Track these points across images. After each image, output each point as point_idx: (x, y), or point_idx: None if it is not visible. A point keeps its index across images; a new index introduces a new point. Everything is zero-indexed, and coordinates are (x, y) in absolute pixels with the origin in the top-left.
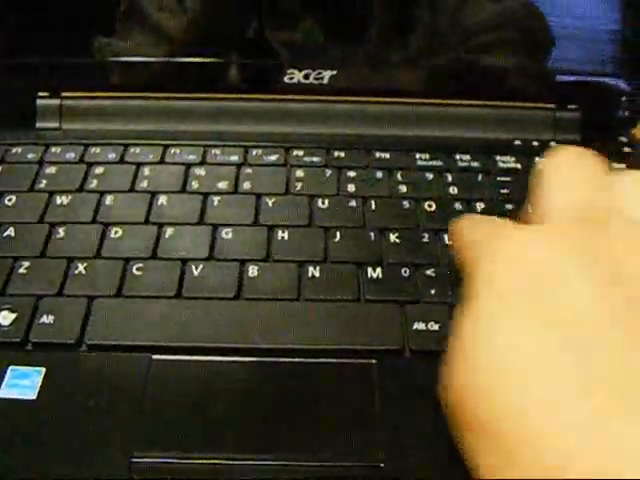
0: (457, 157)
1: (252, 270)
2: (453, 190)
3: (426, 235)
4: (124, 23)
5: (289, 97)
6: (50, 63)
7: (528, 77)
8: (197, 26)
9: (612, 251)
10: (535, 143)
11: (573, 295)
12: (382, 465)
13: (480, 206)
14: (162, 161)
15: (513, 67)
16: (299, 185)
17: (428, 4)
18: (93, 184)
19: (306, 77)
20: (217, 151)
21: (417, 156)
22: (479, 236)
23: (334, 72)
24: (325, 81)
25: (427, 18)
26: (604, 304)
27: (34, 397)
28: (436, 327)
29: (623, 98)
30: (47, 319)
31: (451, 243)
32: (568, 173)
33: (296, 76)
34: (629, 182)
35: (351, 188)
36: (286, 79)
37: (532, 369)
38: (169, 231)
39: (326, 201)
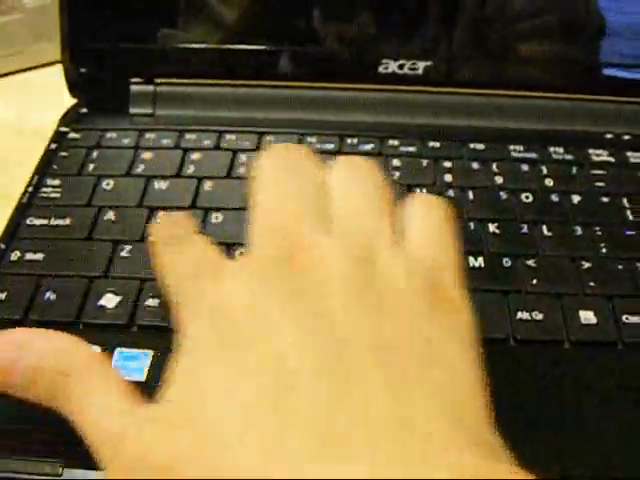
0: (551, 149)
1: None
2: (548, 182)
3: (525, 226)
4: (208, 15)
5: (384, 87)
6: (143, 49)
7: (621, 71)
8: (289, 16)
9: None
10: (626, 137)
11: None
12: None
13: (576, 199)
14: (258, 148)
15: (605, 61)
16: (396, 174)
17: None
18: (190, 170)
19: (401, 67)
20: (313, 139)
21: (512, 148)
22: (182, 266)
23: (429, 63)
24: (420, 72)
25: (526, 13)
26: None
27: (143, 379)
28: (540, 316)
29: None
30: (152, 302)
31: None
32: (274, 179)
33: (391, 66)
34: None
35: (448, 178)
36: (381, 69)
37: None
38: None
39: (424, 190)
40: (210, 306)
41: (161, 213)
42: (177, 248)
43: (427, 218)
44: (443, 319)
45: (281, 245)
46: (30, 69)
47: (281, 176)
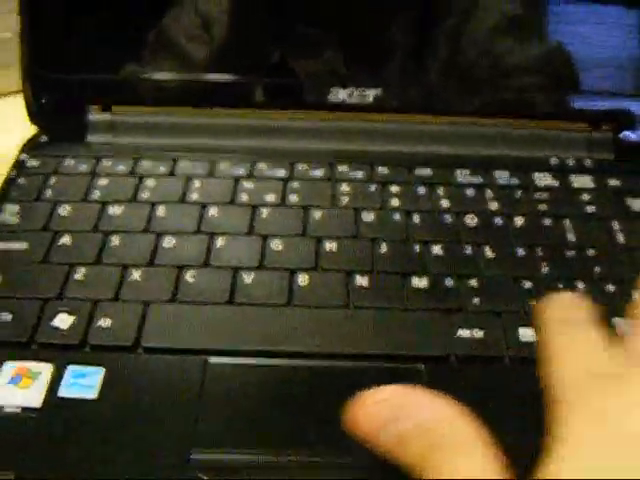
0: (496, 174)
1: (302, 279)
2: (493, 205)
3: (469, 248)
4: (164, 45)
5: (334, 115)
6: (101, 79)
7: (564, 98)
8: (241, 47)
9: None
10: (571, 162)
11: None
12: None
13: (519, 221)
14: (211, 174)
15: (549, 88)
16: (345, 199)
17: (467, 27)
18: (145, 195)
19: (350, 95)
20: (264, 165)
21: (458, 172)
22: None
23: (378, 91)
24: (369, 100)
25: (466, 40)
26: None
27: (94, 396)
28: (480, 334)
29: None
30: (104, 322)
31: (537, 326)
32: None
33: (340, 94)
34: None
35: (395, 202)
36: (330, 97)
37: None
38: (220, 241)
39: (371, 214)
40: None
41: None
42: (571, 334)
43: None
44: None
45: None
46: None
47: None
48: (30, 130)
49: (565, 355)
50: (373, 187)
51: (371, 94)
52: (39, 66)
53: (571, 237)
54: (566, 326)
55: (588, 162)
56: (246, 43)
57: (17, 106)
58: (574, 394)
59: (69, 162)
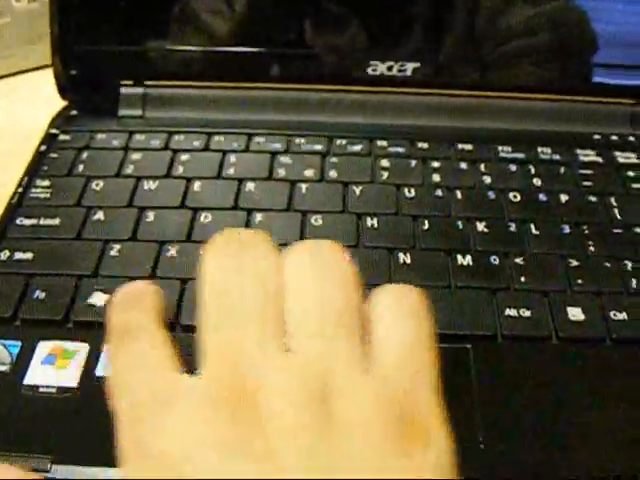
0: (539, 150)
1: None
2: (536, 182)
3: (513, 225)
4: (200, 16)
5: (372, 89)
6: (133, 52)
7: (607, 73)
8: (281, 19)
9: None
10: (614, 137)
11: None
12: (481, 446)
13: (564, 198)
14: (247, 149)
15: (593, 64)
16: (385, 174)
17: (514, 3)
18: (180, 170)
19: (389, 69)
20: (302, 140)
21: (500, 148)
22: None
23: (417, 64)
24: (408, 73)
25: (514, 14)
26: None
27: None
28: (528, 313)
29: None
30: None
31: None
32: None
33: (379, 68)
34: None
35: (436, 178)
36: (369, 71)
37: None
38: (259, 217)
39: (412, 190)
40: (150, 446)
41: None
42: (126, 345)
43: (399, 321)
44: (417, 455)
45: (231, 376)
46: (20, 72)
47: (229, 278)
48: (60, 104)
49: (122, 372)
50: (413, 163)
51: (410, 67)
52: (69, 38)
53: (617, 214)
54: (124, 336)
55: (631, 138)
56: (284, 15)
57: (46, 80)
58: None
59: (101, 136)
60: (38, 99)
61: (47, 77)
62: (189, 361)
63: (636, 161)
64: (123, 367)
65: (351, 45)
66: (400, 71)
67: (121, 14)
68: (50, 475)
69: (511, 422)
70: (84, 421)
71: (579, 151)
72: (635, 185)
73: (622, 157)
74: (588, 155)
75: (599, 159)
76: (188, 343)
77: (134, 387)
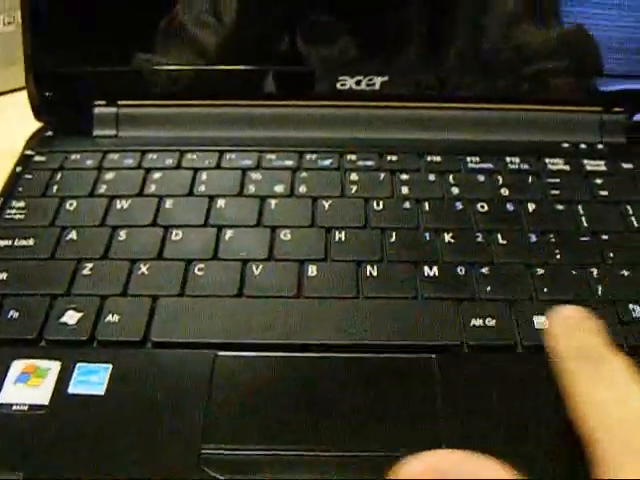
0: (507, 160)
1: (311, 270)
2: (504, 192)
3: (480, 235)
4: (170, 37)
5: (342, 103)
6: (106, 72)
7: (575, 82)
8: (247, 36)
9: None
10: (583, 146)
11: None
12: None
13: (531, 207)
14: (218, 166)
15: (560, 72)
16: (354, 188)
17: (476, 11)
18: (152, 189)
19: (358, 83)
20: (272, 156)
21: (468, 159)
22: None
23: (385, 78)
24: (377, 87)
25: (476, 24)
26: None
27: (102, 393)
28: (492, 323)
29: None
30: (112, 318)
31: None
32: None
33: (348, 82)
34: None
35: (405, 190)
36: (338, 85)
37: None
38: (229, 233)
39: (381, 203)
40: None
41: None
42: (593, 367)
43: None
44: None
45: None
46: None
47: None
48: (35, 126)
49: (593, 393)
50: (382, 175)
51: (379, 81)
52: (43, 60)
53: (584, 222)
54: (586, 359)
55: (600, 146)
56: (251, 33)
57: (22, 102)
58: (611, 435)
59: (75, 157)
60: (14, 121)
61: (23, 99)
62: None
63: (604, 168)
64: (594, 387)
65: (320, 61)
66: (369, 85)
67: (93, 36)
68: None
69: (475, 431)
70: (55, 437)
71: (548, 160)
72: (602, 192)
73: (590, 165)
74: (556, 164)
75: (567, 167)
76: (159, 359)
77: (609, 405)
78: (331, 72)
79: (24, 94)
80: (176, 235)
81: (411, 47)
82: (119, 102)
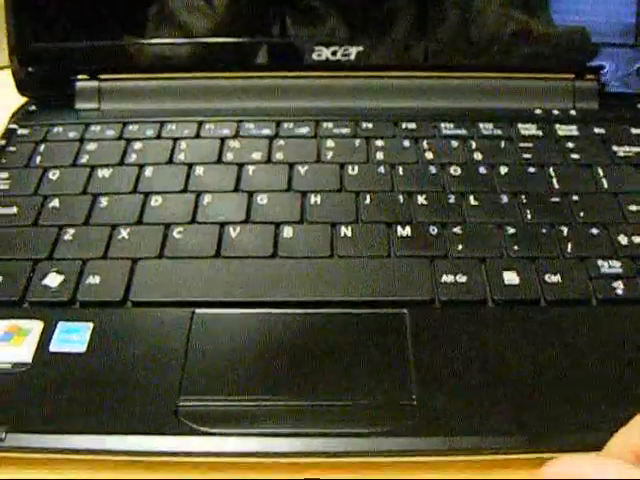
0: (480, 126)
1: (287, 231)
2: (477, 156)
3: (452, 197)
4: (150, 10)
5: (318, 73)
6: (87, 47)
7: (547, 48)
8: (224, 8)
9: None
10: (555, 112)
11: None
12: (414, 403)
13: (504, 170)
14: (198, 135)
15: (532, 38)
16: (330, 154)
17: None
18: (132, 158)
19: (333, 54)
20: (250, 125)
21: (442, 125)
22: None
23: (360, 48)
24: (352, 57)
25: None
26: None
27: (83, 350)
28: (464, 279)
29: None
30: (93, 279)
31: None
32: None
33: (324, 53)
34: None
35: (380, 156)
36: (314, 56)
37: None
38: (207, 198)
39: (356, 168)
40: None
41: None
42: None
43: None
44: None
45: None
46: None
47: None
48: (20, 102)
49: None
50: (358, 142)
51: (354, 51)
52: (25, 35)
53: (555, 184)
54: None
55: (572, 112)
56: (229, 5)
57: (5, 81)
58: None
59: (58, 129)
60: (1, 99)
61: (6, 78)
62: None
63: (576, 133)
64: None
65: (296, 31)
66: (344, 55)
67: (74, 11)
68: (4, 444)
69: (445, 380)
70: (37, 393)
71: (520, 125)
72: (574, 155)
73: (562, 130)
74: (529, 129)
75: (539, 132)
76: (138, 318)
77: None
78: (307, 43)
79: (7, 73)
80: (155, 201)
81: (385, 17)
82: (100, 76)
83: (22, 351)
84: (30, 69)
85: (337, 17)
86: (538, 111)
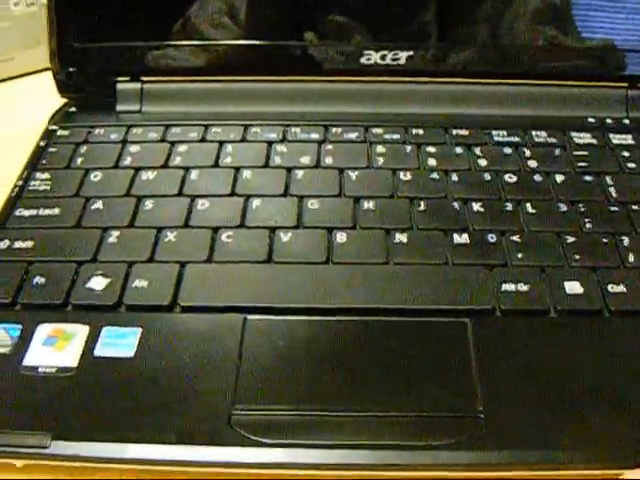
0: (533, 134)
1: (340, 237)
2: (532, 163)
3: (509, 204)
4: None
5: (367, 78)
6: (129, 48)
7: (600, 57)
8: (272, 11)
9: None
10: (609, 121)
11: None
12: (481, 416)
13: (560, 178)
14: (244, 139)
15: (586, 47)
16: (380, 160)
17: None
18: (177, 161)
19: (383, 58)
20: (297, 130)
21: (494, 133)
22: None
23: (410, 53)
24: (402, 62)
25: (502, 1)
26: None
27: (131, 355)
28: (525, 288)
29: None
30: (140, 283)
31: None
32: None
33: (373, 57)
34: None
35: (432, 162)
36: (363, 60)
37: None
38: (255, 202)
39: (408, 174)
40: None
41: None
42: None
43: None
44: None
45: None
46: (20, 76)
47: None
48: (59, 103)
49: None
50: (409, 148)
51: (404, 56)
52: (66, 36)
53: (613, 193)
54: None
55: (626, 121)
56: (276, 8)
57: (46, 83)
58: None
59: (99, 131)
60: (38, 100)
61: (46, 80)
62: None
63: (631, 142)
64: None
65: (345, 35)
66: (394, 60)
67: (117, 12)
68: (49, 451)
69: (510, 392)
70: (84, 399)
71: (574, 134)
72: (630, 165)
73: (617, 139)
74: (583, 137)
75: (594, 141)
76: (188, 323)
77: None
78: (356, 47)
79: (47, 75)
80: (202, 205)
81: (436, 22)
82: (142, 78)
83: (67, 355)
84: (71, 70)
85: (387, 21)
86: (591, 120)
